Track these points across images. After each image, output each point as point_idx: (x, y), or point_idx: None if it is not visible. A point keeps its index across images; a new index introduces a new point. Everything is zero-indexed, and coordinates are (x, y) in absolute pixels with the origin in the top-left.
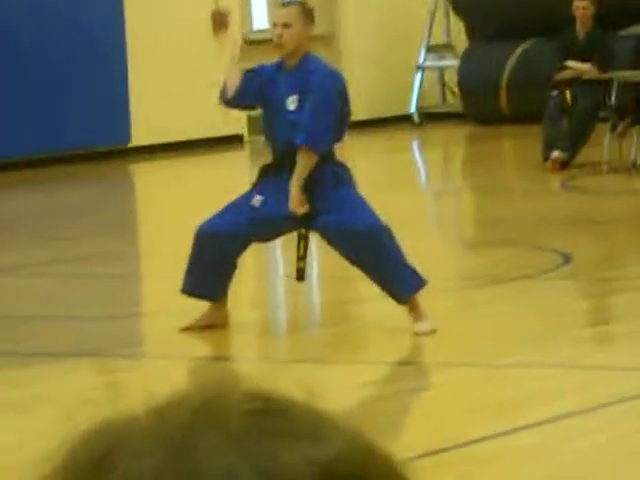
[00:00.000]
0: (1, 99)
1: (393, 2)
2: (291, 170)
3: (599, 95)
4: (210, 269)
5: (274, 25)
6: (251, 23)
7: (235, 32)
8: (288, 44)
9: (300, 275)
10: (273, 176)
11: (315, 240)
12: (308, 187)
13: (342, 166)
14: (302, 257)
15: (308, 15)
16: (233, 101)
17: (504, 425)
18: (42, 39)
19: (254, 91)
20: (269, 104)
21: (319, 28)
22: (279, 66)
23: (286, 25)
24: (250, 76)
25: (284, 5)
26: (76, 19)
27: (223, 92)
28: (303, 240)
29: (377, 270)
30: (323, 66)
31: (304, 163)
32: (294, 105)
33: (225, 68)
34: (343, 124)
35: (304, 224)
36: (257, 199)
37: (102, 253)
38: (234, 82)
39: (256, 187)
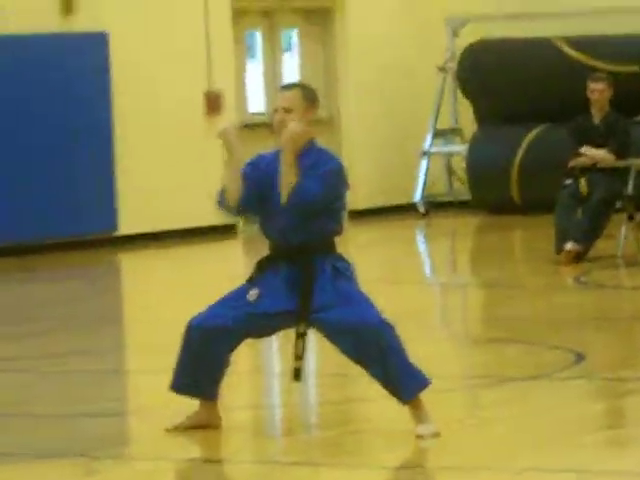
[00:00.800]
0: None
1: (396, 84)
2: (289, 264)
3: (615, 184)
4: (201, 365)
5: (275, 110)
6: (246, 106)
7: (231, 118)
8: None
9: (297, 375)
10: (270, 270)
11: (314, 335)
12: (308, 282)
13: (343, 260)
14: (299, 357)
15: (311, 103)
16: (235, 211)
17: None
18: (29, 125)
19: (257, 195)
20: (268, 197)
21: (319, 112)
22: (278, 155)
23: (287, 110)
24: (251, 177)
25: (286, 89)
26: (64, 105)
27: (222, 199)
28: (301, 338)
29: (379, 368)
30: (330, 158)
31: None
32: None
33: (224, 169)
34: (341, 216)
35: (303, 320)
36: (253, 293)
37: (84, 347)
38: (235, 188)
39: (252, 280)
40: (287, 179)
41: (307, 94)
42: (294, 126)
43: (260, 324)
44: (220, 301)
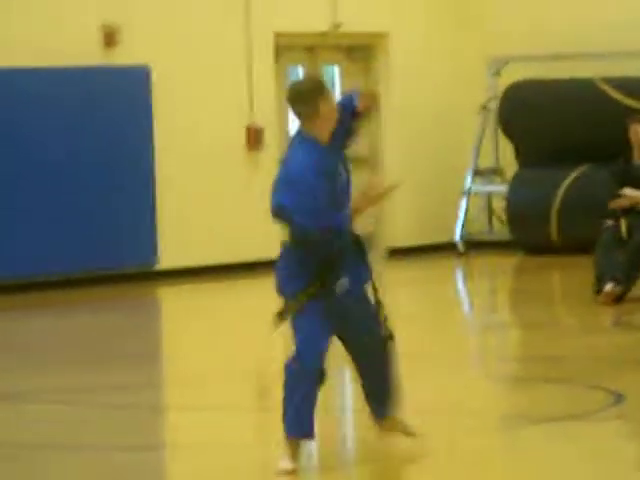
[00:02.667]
0: (27, 217)
1: (437, 122)
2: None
3: None
4: (313, 405)
5: (333, 109)
6: (287, 142)
7: (272, 153)
8: None
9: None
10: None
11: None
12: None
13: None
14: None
15: None
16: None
17: None
18: (71, 157)
19: None
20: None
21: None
22: (314, 145)
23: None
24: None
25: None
26: (106, 138)
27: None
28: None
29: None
30: None
31: None
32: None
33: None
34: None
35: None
36: (343, 281)
37: (123, 382)
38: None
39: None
40: None
41: None
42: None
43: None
44: (310, 335)
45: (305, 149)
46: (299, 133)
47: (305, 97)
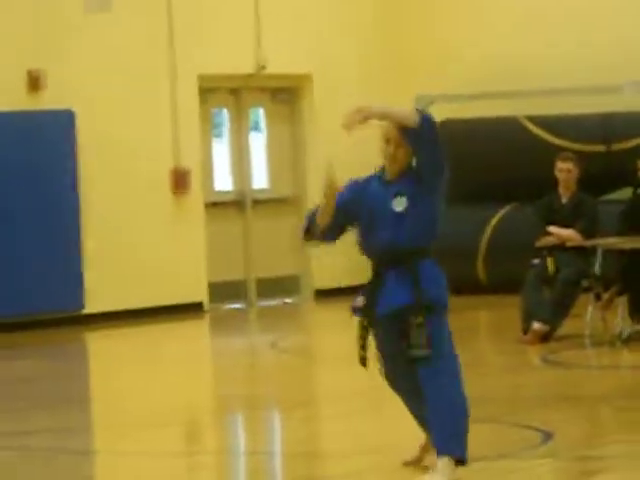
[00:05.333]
0: None
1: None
2: (392, 269)
3: (582, 263)
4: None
5: (387, 141)
6: (213, 184)
7: (198, 196)
8: (402, 161)
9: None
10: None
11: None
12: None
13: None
14: (424, 345)
15: None
16: (320, 238)
17: None
18: None
19: (342, 223)
20: (371, 211)
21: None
22: (379, 178)
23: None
24: (343, 203)
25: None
26: (31, 182)
27: (310, 227)
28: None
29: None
30: None
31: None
32: (402, 206)
33: (322, 198)
34: None
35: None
36: (359, 300)
37: (51, 426)
38: (327, 218)
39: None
40: None
41: None
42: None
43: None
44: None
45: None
46: None
47: None
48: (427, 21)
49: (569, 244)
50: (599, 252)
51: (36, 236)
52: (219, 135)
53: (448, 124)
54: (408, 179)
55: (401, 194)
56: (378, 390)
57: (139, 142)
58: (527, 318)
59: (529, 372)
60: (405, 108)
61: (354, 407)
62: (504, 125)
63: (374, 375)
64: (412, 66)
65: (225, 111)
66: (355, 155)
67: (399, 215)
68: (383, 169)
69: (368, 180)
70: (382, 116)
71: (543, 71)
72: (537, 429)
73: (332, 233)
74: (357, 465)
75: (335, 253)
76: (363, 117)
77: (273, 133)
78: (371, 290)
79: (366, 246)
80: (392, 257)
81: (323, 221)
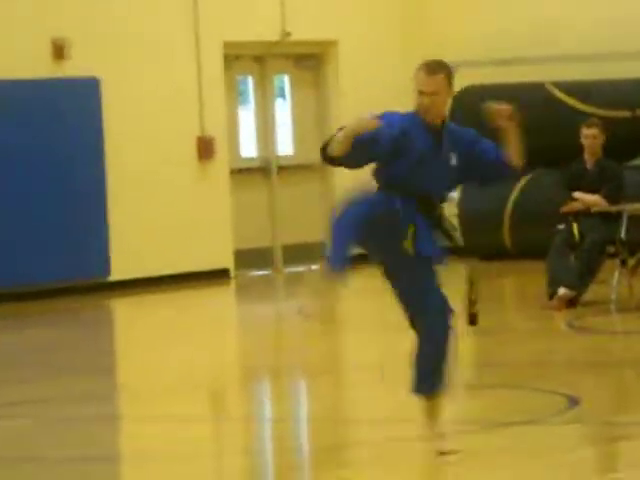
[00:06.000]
0: None
1: None
2: (425, 215)
3: (608, 229)
4: None
5: (420, 92)
6: (238, 151)
7: (224, 163)
8: (434, 111)
9: (472, 320)
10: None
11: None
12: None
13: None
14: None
15: (451, 81)
16: (335, 162)
17: None
18: (22, 170)
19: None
20: (422, 154)
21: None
22: (416, 121)
23: (434, 93)
24: (392, 139)
25: (431, 73)
26: (57, 150)
27: (329, 147)
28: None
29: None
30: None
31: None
32: (455, 160)
33: (355, 124)
34: None
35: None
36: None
37: (78, 393)
38: (347, 145)
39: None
40: None
41: (449, 76)
42: None
43: None
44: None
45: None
46: None
47: None
48: None
49: (594, 210)
50: (625, 217)
51: (62, 204)
52: (244, 102)
53: (472, 91)
54: (453, 135)
55: (452, 150)
56: (405, 356)
57: (164, 109)
58: (553, 284)
59: (555, 338)
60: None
61: (380, 375)
62: (530, 91)
63: (401, 341)
64: (435, 32)
65: (250, 78)
66: None
67: (452, 168)
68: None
69: (410, 120)
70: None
71: (568, 37)
72: (564, 395)
73: (358, 162)
74: (384, 432)
75: None
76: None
77: (298, 100)
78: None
79: (402, 183)
80: (427, 202)
81: (343, 149)
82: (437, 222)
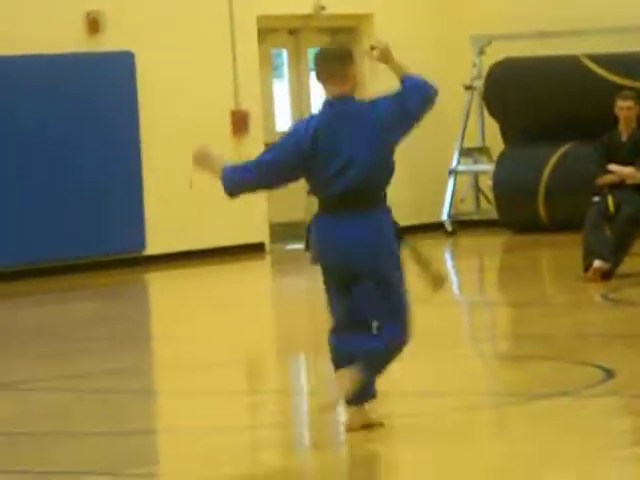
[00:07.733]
0: (14, 206)
1: None
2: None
3: None
4: None
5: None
6: (274, 125)
7: (258, 137)
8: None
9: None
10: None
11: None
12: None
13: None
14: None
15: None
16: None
17: None
18: (57, 145)
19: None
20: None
21: None
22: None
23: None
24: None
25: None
26: (92, 124)
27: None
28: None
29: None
30: None
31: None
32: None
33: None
34: None
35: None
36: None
37: (114, 367)
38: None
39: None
40: None
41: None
42: None
43: None
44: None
45: None
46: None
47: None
48: None
49: (629, 182)
50: None
51: (97, 178)
52: (279, 76)
53: (506, 64)
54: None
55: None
56: (443, 330)
57: (199, 83)
58: (588, 256)
59: (590, 310)
60: (417, 74)
61: (416, 347)
62: (565, 64)
63: (438, 315)
64: (469, 5)
65: (284, 52)
66: None
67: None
68: None
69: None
70: (397, 69)
71: (603, 9)
72: (599, 367)
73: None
74: (420, 406)
75: (396, 190)
76: (383, 57)
77: None
78: None
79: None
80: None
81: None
82: None
